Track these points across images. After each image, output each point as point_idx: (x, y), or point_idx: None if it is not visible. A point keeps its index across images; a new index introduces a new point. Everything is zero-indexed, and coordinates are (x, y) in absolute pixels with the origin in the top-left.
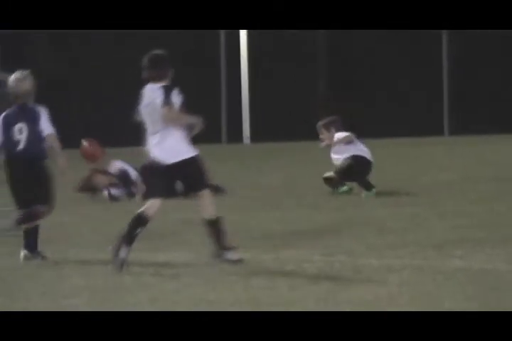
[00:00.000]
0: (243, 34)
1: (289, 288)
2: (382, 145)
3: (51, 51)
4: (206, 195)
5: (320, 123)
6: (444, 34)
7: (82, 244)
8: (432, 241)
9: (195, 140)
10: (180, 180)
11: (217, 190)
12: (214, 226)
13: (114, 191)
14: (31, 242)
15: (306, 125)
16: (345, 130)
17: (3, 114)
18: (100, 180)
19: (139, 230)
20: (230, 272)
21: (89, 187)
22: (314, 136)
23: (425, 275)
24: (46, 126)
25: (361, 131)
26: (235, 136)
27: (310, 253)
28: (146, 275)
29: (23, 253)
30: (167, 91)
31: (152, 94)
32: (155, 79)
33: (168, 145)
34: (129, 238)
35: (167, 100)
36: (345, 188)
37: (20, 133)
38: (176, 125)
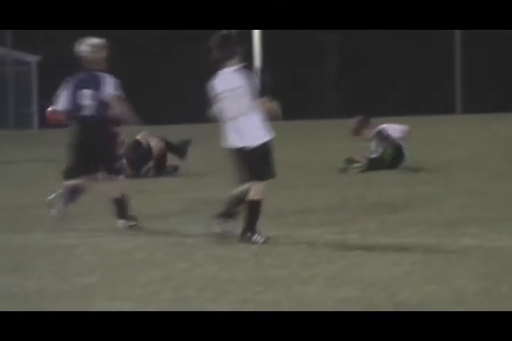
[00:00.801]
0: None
1: (301, 266)
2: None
3: None
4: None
5: (355, 125)
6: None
7: (94, 221)
8: (444, 219)
9: None
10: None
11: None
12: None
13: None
14: (124, 210)
15: (317, 104)
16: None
17: (70, 80)
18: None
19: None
20: (241, 251)
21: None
22: (324, 115)
23: (437, 254)
24: (109, 90)
25: (373, 109)
26: None
27: (322, 232)
28: (159, 254)
29: (119, 223)
30: (251, 77)
31: (237, 78)
32: (225, 58)
33: (248, 129)
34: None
35: (262, 89)
36: (357, 168)
37: (88, 99)
38: (269, 114)
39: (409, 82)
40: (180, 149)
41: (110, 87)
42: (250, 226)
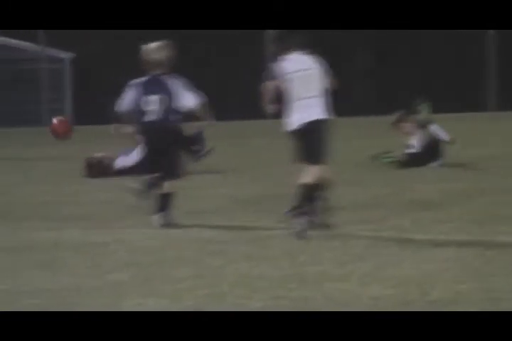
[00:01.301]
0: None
1: (334, 264)
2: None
3: None
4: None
5: (395, 119)
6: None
7: (127, 219)
8: (477, 216)
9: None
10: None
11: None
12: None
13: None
14: (165, 206)
15: (346, 101)
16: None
17: (135, 82)
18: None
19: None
20: (275, 248)
21: None
22: (352, 113)
23: (471, 251)
24: (187, 97)
25: (405, 107)
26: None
27: (356, 229)
28: (191, 251)
29: (157, 216)
30: (320, 60)
31: (307, 61)
32: (287, 49)
33: (315, 108)
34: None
35: (325, 71)
36: (390, 158)
37: (154, 104)
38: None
39: (443, 81)
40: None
41: (182, 91)
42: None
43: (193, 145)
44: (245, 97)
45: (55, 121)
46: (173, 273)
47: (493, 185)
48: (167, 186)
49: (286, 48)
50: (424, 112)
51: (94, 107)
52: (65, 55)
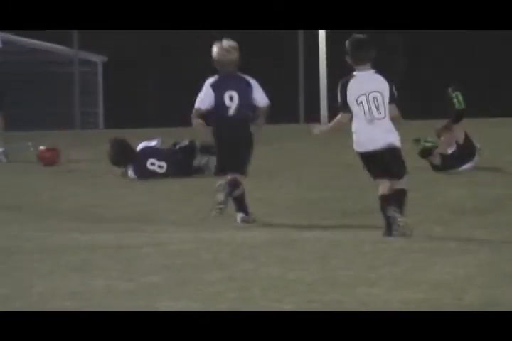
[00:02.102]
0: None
1: (366, 268)
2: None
3: None
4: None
5: (438, 128)
6: None
7: (159, 222)
8: (510, 222)
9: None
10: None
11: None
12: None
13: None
14: (243, 205)
15: None
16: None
17: (211, 81)
18: None
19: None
20: (307, 252)
21: None
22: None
23: (504, 256)
24: (259, 96)
25: (436, 110)
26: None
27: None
28: (224, 255)
29: (239, 216)
30: (391, 81)
31: (374, 81)
32: (360, 62)
33: (381, 134)
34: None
35: (395, 94)
36: (430, 143)
37: (231, 100)
38: (398, 122)
39: (475, 84)
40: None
41: (256, 90)
42: (402, 211)
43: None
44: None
45: (42, 148)
46: (205, 276)
47: None
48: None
49: (363, 59)
50: (458, 102)
51: (126, 111)
52: (97, 59)
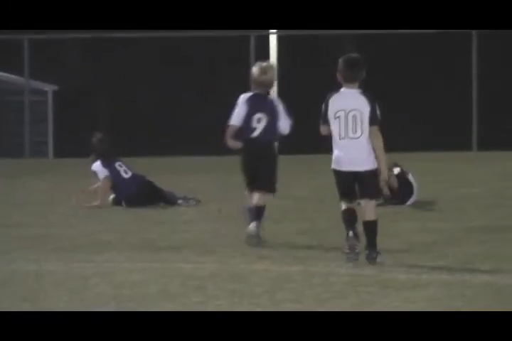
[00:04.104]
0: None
1: (316, 301)
2: (408, 159)
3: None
4: (369, 202)
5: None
6: (474, 37)
7: (107, 252)
8: (459, 256)
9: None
10: (353, 186)
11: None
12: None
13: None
14: (258, 217)
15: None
16: None
17: (246, 98)
18: None
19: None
20: (256, 284)
21: None
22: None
23: (453, 291)
24: (282, 123)
25: (390, 143)
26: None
27: (336, 266)
28: (173, 287)
29: (252, 225)
30: (374, 103)
31: (356, 100)
32: (349, 80)
33: (356, 153)
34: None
35: (377, 117)
36: None
37: (258, 122)
38: (377, 144)
39: (423, 117)
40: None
41: (281, 113)
42: (375, 247)
43: None
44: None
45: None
46: (153, 308)
47: (476, 224)
48: (260, 199)
49: (352, 78)
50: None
51: (75, 140)
52: (48, 88)
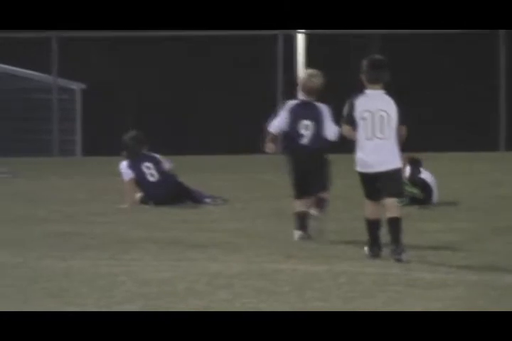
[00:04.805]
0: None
1: (343, 300)
2: (434, 159)
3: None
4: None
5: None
6: (501, 36)
7: (135, 250)
8: (486, 256)
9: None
10: (379, 185)
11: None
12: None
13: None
14: (305, 223)
15: None
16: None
17: (290, 106)
18: None
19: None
20: (283, 283)
21: None
22: None
23: (479, 291)
24: (328, 129)
25: (416, 144)
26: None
27: (364, 266)
28: (200, 285)
29: (297, 234)
30: (399, 106)
31: (382, 101)
32: (373, 81)
33: (383, 154)
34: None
35: (405, 116)
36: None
37: (306, 129)
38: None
39: (452, 118)
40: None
41: (328, 120)
42: (400, 244)
43: None
44: None
45: None
46: (181, 305)
47: (504, 224)
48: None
49: (375, 80)
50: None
51: (104, 138)
52: (76, 86)
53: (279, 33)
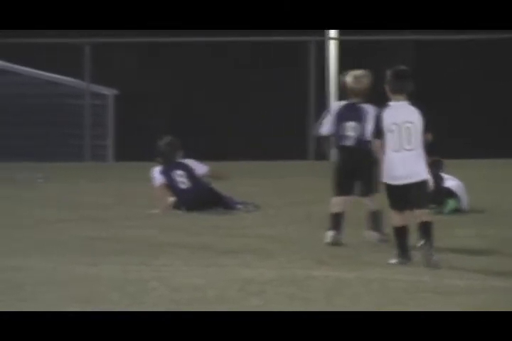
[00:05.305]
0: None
1: (374, 307)
2: (463, 166)
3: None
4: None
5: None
6: None
7: (166, 255)
8: None
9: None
10: (407, 197)
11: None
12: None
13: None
14: (339, 224)
15: None
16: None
17: (336, 108)
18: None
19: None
20: (313, 290)
21: None
22: None
23: (509, 297)
24: (369, 126)
25: (448, 150)
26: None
27: (394, 273)
28: (232, 291)
29: (330, 234)
30: (427, 118)
31: (407, 112)
32: (397, 92)
33: (411, 165)
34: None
35: (430, 126)
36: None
37: (352, 130)
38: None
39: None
40: None
41: (370, 121)
42: (431, 246)
43: None
44: None
45: None
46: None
47: None
48: (375, 204)
49: (400, 90)
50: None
51: (136, 143)
52: (108, 92)
53: (311, 39)
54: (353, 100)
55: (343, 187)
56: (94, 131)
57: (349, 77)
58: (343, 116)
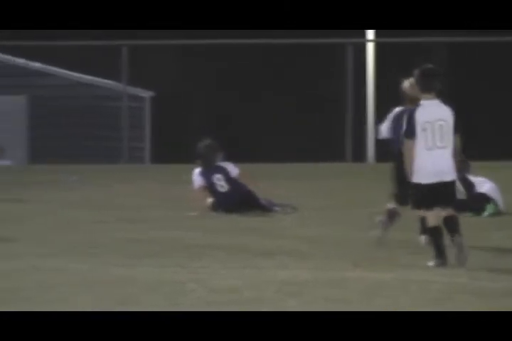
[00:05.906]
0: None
1: (412, 308)
2: (498, 167)
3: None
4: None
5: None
6: None
7: (204, 257)
8: None
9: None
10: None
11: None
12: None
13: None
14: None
15: None
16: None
17: (394, 114)
18: None
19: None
20: (350, 290)
21: None
22: None
23: None
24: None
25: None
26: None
27: (432, 274)
28: (269, 292)
29: (423, 237)
30: (456, 114)
31: (442, 111)
32: (426, 91)
33: (444, 163)
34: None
35: (459, 127)
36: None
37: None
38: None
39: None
40: None
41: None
42: (460, 236)
43: None
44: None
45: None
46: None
47: None
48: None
49: (429, 89)
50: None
51: (173, 146)
52: (145, 94)
53: (348, 41)
54: (410, 106)
55: (401, 197)
56: (131, 133)
57: (406, 84)
58: (399, 121)
